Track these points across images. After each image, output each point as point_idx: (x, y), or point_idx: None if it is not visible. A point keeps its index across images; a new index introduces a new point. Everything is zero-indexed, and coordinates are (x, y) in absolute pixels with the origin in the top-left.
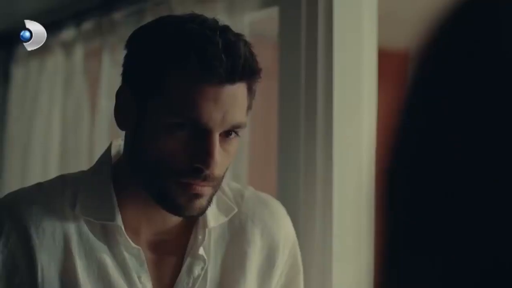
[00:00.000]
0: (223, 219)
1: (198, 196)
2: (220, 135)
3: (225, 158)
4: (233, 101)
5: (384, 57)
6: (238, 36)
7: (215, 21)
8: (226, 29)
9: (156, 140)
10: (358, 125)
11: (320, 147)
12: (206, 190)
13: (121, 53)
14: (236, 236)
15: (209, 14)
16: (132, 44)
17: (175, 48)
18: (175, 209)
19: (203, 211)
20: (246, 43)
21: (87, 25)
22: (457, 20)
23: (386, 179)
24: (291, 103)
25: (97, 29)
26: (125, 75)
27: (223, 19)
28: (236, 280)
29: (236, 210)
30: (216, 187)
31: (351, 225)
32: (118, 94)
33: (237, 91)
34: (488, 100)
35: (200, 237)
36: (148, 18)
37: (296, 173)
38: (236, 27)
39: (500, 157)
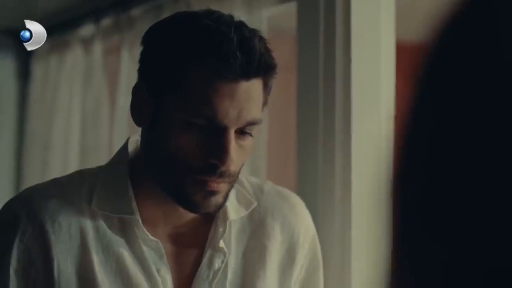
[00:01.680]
0: (244, 212)
1: (214, 193)
2: (235, 131)
3: (241, 155)
4: (248, 98)
5: (402, 50)
6: (254, 31)
7: (230, 17)
8: (241, 25)
9: (172, 136)
10: (376, 119)
11: (338, 141)
12: (222, 186)
13: (140, 49)
14: (256, 230)
15: (226, 9)
16: (148, 40)
17: (190, 45)
18: (190, 206)
19: (219, 207)
20: (261, 39)
21: (106, 22)
22: (468, 14)
23: (397, 176)
24: (310, 97)
25: (115, 25)
26: (141, 71)
27: (241, 14)
28: (256, 273)
29: (256, 203)
30: (232, 183)
31: (370, 221)
32: (134, 91)
33: (253, 87)
34: (498, 97)
35: (221, 229)
36: (166, 14)
37: (314, 168)
38: (254, 22)
39: (506, 153)
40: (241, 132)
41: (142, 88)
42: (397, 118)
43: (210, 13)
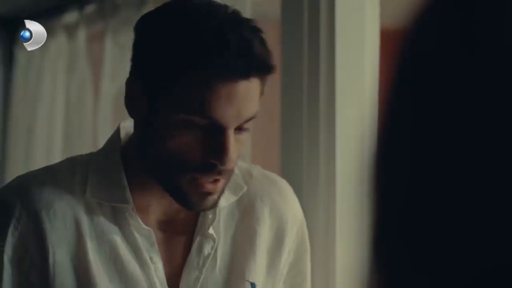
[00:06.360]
0: (233, 198)
1: (210, 193)
2: (234, 128)
3: (238, 149)
4: (247, 96)
5: (387, 35)
6: (254, 30)
7: (231, 14)
8: (242, 23)
9: (169, 136)
10: (360, 104)
11: (323, 127)
12: (219, 186)
13: (124, 36)
14: (245, 214)
15: None
16: (142, 33)
17: (188, 46)
18: (187, 204)
19: (215, 204)
20: (261, 39)
21: (90, 8)
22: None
23: (374, 161)
24: (294, 83)
25: (99, 12)
26: (135, 65)
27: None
28: (246, 258)
29: (245, 188)
30: (230, 177)
31: (354, 204)
32: (128, 84)
33: (251, 85)
34: (475, 85)
35: (210, 216)
36: (151, 1)
37: (299, 154)
38: (238, 8)
39: (488, 143)
40: (239, 128)
41: (136, 83)
42: (381, 102)
43: (208, 9)
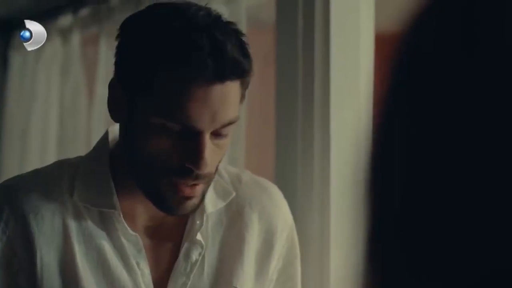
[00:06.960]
0: (221, 204)
1: (189, 198)
2: (211, 133)
3: (217, 154)
4: (223, 100)
5: (382, 40)
6: (228, 31)
7: (205, 15)
8: (215, 25)
9: (147, 139)
10: (355, 106)
11: (317, 132)
12: (197, 190)
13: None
14: (233, 220)
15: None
16: (122, 35)
17: (161, 50)
18: (165, 209)
19: (196, 208)
20: (237, 38)
21: (84, 12)
22: (441, 3)
23: (369, 163)
24: (288, 88)
25: (94, 15)
26: (116, 67)
27: (219, 4)
28: (234, 265)
29: (234, 194)
30: (209, 182)
31: (349, 206)
32: (110, 86)
33: (227, 89)
34: (472, 88)
35: (198, 222)
36: (145, 4)
37: (293, 159)
38: (232, 13)
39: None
40: (217, 133)
41: (117, 86)
42: (376, 107)
43: (184, 11)
